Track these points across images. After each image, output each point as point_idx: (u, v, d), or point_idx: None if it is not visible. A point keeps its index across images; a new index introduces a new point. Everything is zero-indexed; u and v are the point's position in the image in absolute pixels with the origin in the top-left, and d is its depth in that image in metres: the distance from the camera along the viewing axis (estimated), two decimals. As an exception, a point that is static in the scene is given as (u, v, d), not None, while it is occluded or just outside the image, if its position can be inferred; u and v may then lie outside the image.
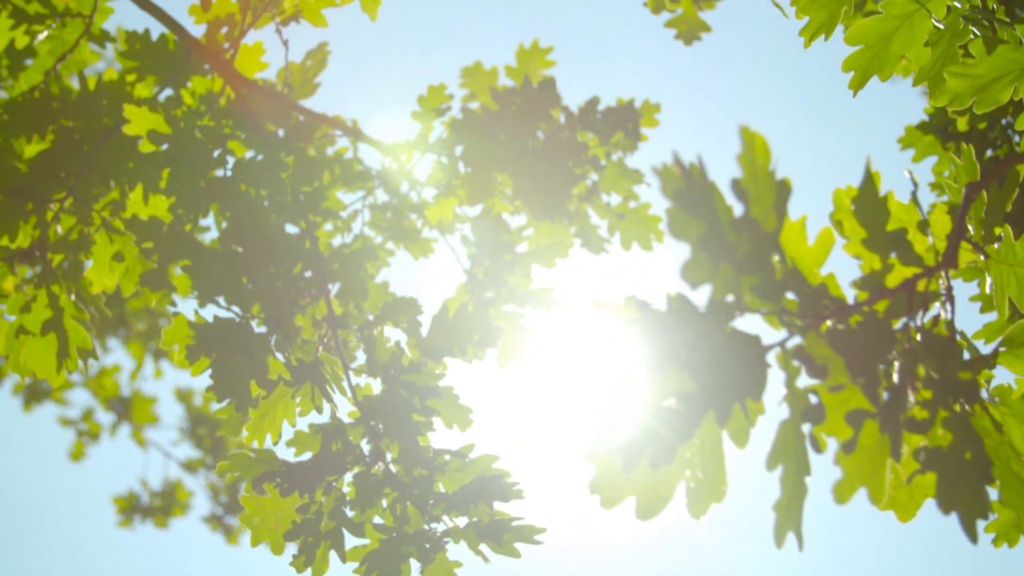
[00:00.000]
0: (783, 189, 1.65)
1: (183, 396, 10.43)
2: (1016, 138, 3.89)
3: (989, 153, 3.97)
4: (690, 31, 4.57)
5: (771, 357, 1.71)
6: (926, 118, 4.20)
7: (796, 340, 1.71)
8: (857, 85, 2.49)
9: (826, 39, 2.56)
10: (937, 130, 4.16)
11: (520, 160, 4.49)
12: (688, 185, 1.52)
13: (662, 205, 5.11)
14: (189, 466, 10.52)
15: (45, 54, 4.03)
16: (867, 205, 1.80)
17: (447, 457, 3.28)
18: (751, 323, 1.71)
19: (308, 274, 3.86)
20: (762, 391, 1.69)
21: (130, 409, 10.25)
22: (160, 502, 10.41)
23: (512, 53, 5.08)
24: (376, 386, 3.39)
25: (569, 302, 4.69)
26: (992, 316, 3.08)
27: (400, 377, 3.33)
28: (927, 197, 5.93)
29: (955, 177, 2.06)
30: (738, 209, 1.61)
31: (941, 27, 2.48)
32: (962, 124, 3.99)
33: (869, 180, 1.81)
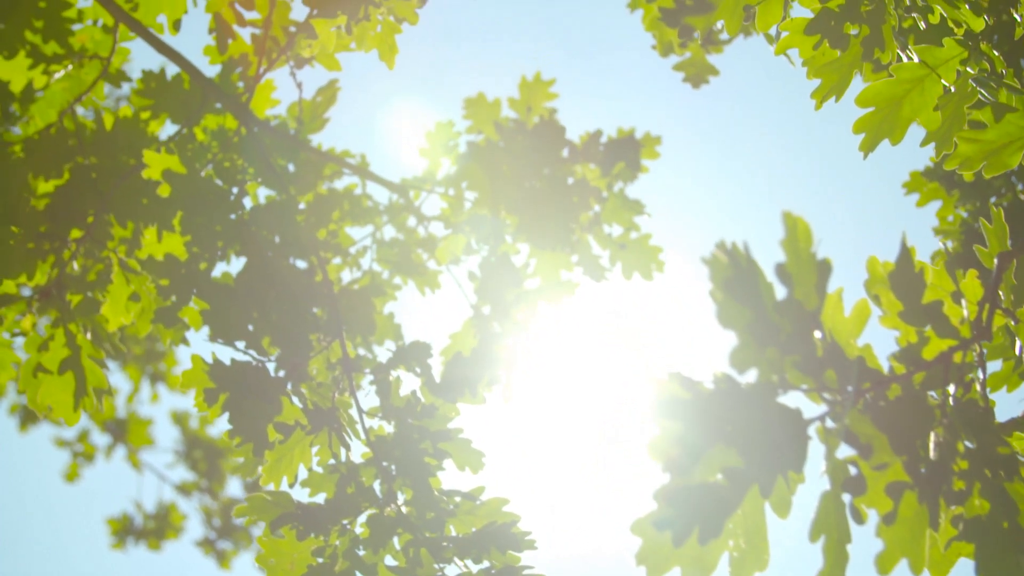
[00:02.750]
0: (824, 269, 1.69)
1: (179, 419, 10.43)
2: (1020, 185, 3.95)
3: (993, 200, 4.03)
4: (698, 74, 4.62)
5: (812, 430, 1.74)
6: (929, 163, 4.26)
7: (836, 414, 1.74)
8: (868, 148, 2.52)
9: (837, 100, 2.60)
10: (941, 177, 4.22)
11: (525, 198, 4.53)
12: (736, 273, 1.56)
13: (662, 237, 5.16)
14: (183, 489, 10.52)
15: (61, 91, 4.05)
16: (904, 279, 1.84)
17: (458, 499, 3.31)
18: (792, 396, 1.74)
19: (315, 310, 3.89)
20: (803, 464, 1.73)
21: (126, 431, 10.25)
22: (154, 524, 10.39)
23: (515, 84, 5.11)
24: (388, 426, 3.42)
25: (576, 335, 4.74)
26: (996, 365, 3.13)
27: (413, 421, 3.36)
28: (931, 242, 5.99)
29: (987, 242, 2.10)
30: (781, 292, 1.65)
31: (952, 89, 2.52)
32: (968, 174, 4.05)
33: (905, 254, 1.85)
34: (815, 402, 1.76)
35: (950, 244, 4.25)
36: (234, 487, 10.70)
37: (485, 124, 4.95)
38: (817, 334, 1.72)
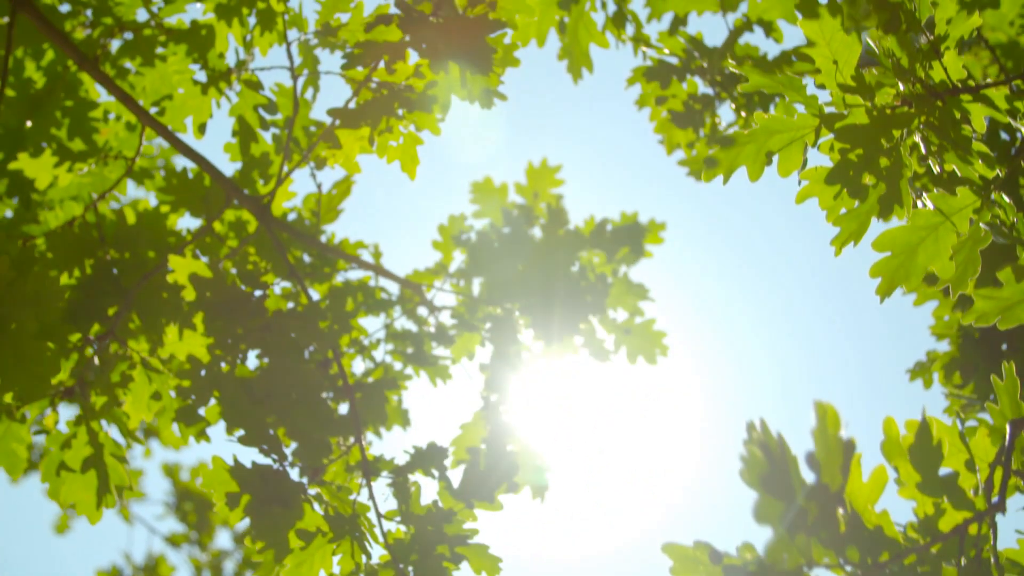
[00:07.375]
0: (848, 449, 1.80)
1: (170, 471, 10.46)
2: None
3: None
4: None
5: (835, 600, 1.85)
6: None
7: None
8: (884, 293, 2.61)
9: (855, 246, 2.69)
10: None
11: (535, 294, 4.63)
12: (771, 468, 1.67)
13: (666, 322, 5.25)
14: (173, 541, 10.54)
15: (84, 186, 4.13)
16: (922, 451, 1.95)
17: (474, 604, 3.39)
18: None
19: (334, 406, 3.97)
20: (826, 633, 1.83)
21: (118, 485, 10.26)
22: (143, 577, 10.41)
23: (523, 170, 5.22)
24: (405, 528, 3.49)
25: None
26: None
27: (430, 527, 3.43)
28: (927, 341, 6.11)
29: (999, 405, 2.21)
30: (811, 478, 1.76)
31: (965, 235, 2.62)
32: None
33: (925, 428, 1.96)
34: (837, 574, 1.87)
35: (945, 347, 4.35)
36: (223, 539, 10.73)
37: (492, 210, 5.06)
38: (840, 510, 1.83)
